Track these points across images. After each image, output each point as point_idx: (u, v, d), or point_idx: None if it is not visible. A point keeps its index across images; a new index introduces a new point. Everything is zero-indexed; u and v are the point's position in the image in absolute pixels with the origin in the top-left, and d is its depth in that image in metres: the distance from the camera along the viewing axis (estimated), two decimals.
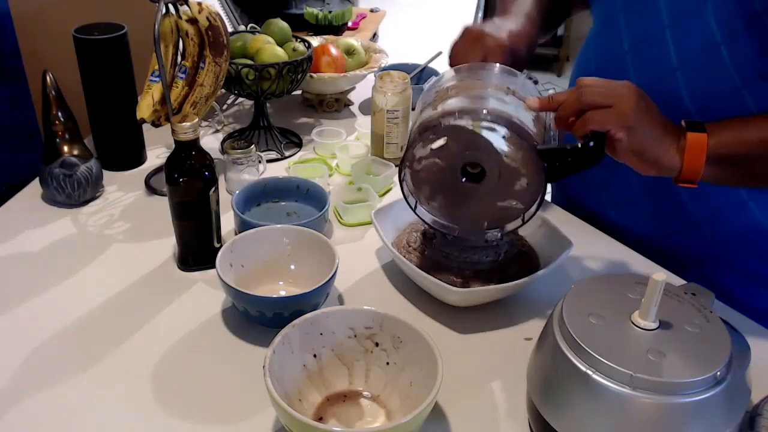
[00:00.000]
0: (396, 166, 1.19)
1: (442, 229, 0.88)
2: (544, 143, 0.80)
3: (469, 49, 0.91)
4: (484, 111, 0.79)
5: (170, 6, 1.03)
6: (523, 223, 0.84)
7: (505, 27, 0.93)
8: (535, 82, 0.89)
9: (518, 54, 0.92)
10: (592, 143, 0.76)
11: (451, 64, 0.93)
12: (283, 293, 0.90)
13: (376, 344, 0.76)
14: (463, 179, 0.82)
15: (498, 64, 0.89)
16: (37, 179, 1.10)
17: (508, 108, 0.80)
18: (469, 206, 0.84)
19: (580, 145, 0.76)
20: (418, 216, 0.88)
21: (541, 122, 0.82)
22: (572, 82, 1.08)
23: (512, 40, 0.91)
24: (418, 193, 0.86)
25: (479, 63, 0.89)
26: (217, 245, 0.94)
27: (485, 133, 0.78)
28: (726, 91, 0.84)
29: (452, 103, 0.82)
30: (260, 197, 1.07)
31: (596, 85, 0.77)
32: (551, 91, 0.83)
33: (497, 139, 0.78)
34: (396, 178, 1.17)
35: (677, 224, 0.98)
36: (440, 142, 0.81)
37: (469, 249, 0.90)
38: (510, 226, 0.86)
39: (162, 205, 1.04)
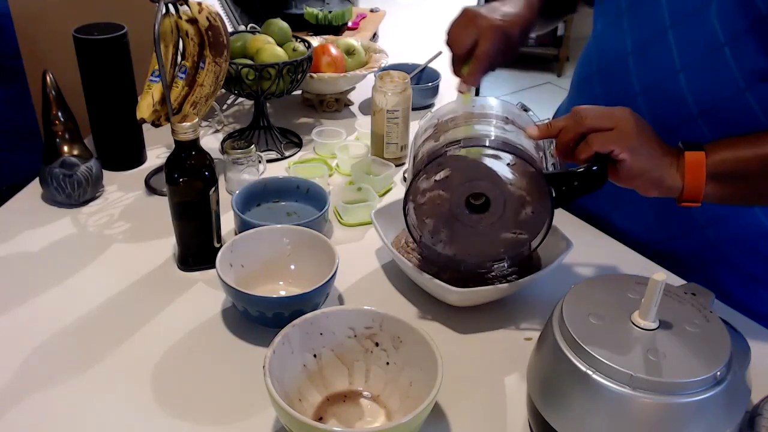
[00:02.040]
0: (396, 165, 1.19)
1: (447, 262, 0.86)
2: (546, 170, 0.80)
3: (463, 30, 0.93)
4: (489, 139, 0.79)
5: (170, 6, 1.03)
6: (531, 252, 0.84)
7: (500, 10, 0.94)
8: (526, 110, 0.89)
9: (511, 37, 0.93)
10: (595, 167, 0.76)
11: (447, 44, 0.95)
12: (283, 293, 0.90)
13: (376, 344, 0.76)
14: (468, 211, 0.82)
15: (495, 99, 0.89)
16: (37, 179, 1.10)
17: (510, 136, 0.80)
18: (473, 240, 0.84)
19: (584, 168, 0.77)
20: (422, 248, 0.87)
21: (540, 150, 0.82)
22: (574, 83, 1.08)
23: (506, 23, 0.92)
24: (422, 227, 0.85)
25: (476, 98, 0.91)
26: (217, 245, 0.94)
27: (490, 162, 0.78)
28: (729, 93, 0.84)
29: (455, 134, 0.81)
30: (260, 197, 1.07)
31: (594, 109, 0.78)
32: (545, 120, 0.84)
33: (502, 167, 0.79)
34: (396, 178, 1.18)
35: (680, 227, 0.98)
36: (444, 173, 0.80)
37: None
38: (516, 257, 0.85)
39: (162, 205, 1.04)
